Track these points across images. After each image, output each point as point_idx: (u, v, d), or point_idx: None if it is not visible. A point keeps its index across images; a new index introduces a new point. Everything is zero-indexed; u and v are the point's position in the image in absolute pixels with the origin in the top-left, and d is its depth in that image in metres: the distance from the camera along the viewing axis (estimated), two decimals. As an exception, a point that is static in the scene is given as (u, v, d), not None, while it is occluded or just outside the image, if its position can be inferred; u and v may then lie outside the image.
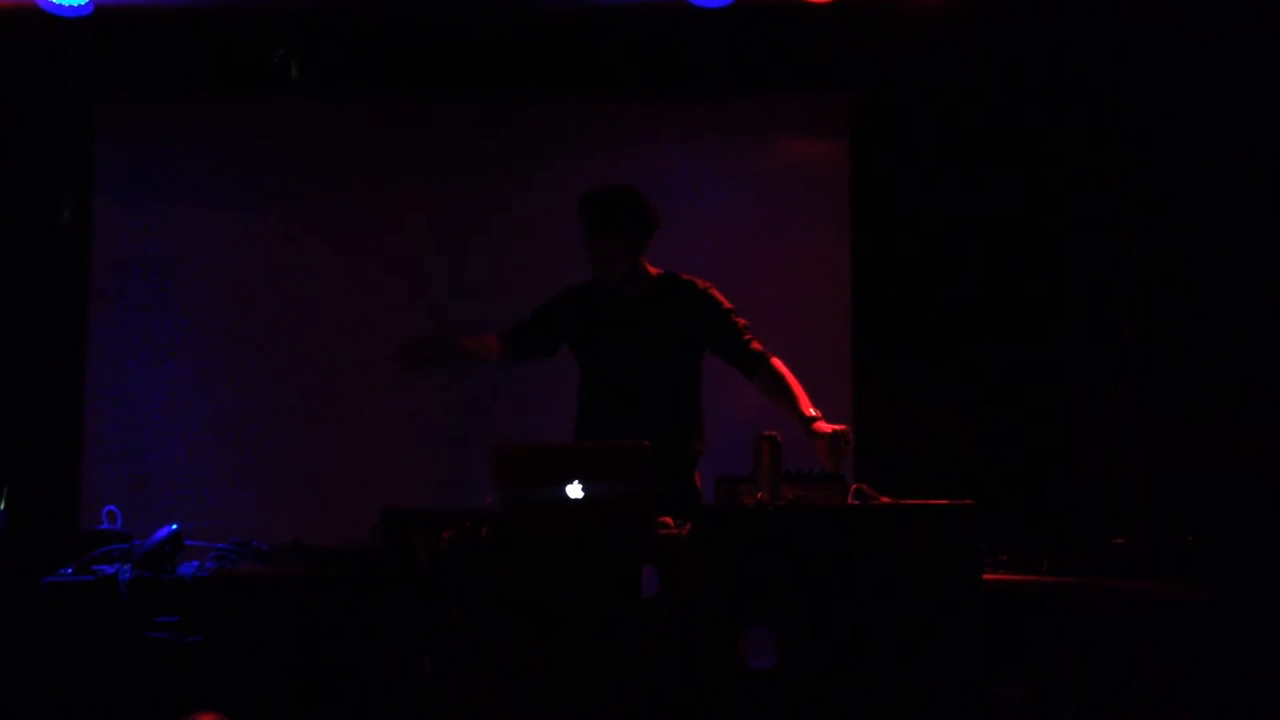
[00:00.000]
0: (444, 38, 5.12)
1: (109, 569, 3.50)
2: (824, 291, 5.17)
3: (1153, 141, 4.86)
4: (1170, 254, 4.79)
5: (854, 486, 3.20)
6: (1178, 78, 4.75)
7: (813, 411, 3.59)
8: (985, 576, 3.20)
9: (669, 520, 3.21)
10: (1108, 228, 4.99)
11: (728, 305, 3.93)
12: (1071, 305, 5.04)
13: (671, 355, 3.92)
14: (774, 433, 3.20)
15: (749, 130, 5.28)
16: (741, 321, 3.92)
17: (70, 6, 4.65)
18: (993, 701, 3.71)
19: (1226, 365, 4.60)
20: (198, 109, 5.25)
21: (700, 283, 3.96)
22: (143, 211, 5.20)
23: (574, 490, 3.10)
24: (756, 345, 3.86)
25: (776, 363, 3.81)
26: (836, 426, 3.48)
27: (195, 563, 3.59)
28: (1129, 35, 4.88)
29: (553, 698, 3.06)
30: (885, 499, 3.17)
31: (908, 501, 3.14)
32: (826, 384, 5.06)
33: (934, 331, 5.08)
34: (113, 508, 3.84)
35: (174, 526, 3.58)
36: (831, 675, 2.98)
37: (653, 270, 3.96)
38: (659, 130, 5.25)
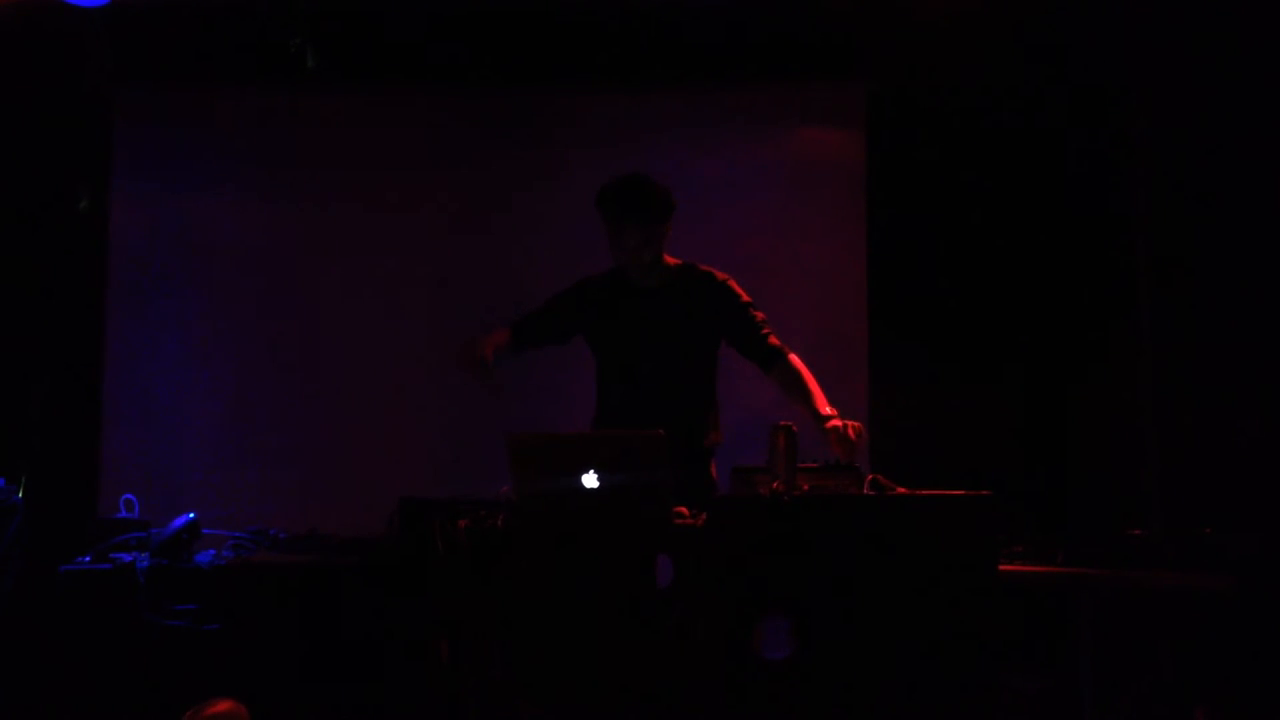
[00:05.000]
0: (459, 29, 5.11)
1: (127, 557, 3.53)
2: (840, 282, 5.16)
3: (1171, 132, 4.83)
4: (1187, 244, 4.77)
5: (869, 477, 3.20)
6: (1197, 69, 4.72)
7: (828, 410, 3.59)
8: (1001, 567, 3.19)
9: (684, 510, 3.21)
10: (1125, 219, 4.96)
11: (746, 298, 3.93)
12: (1088, 297, 5.02)
13: (690, 345, 3.92)
14: (789, 423, 3.20)
15: (764, 120, 5.27)
16: (759, 315, 3.91)
17: (87, -4, 4.67)
18: (1009, 692, 3.70)
19: (1244, 356, 4.58)
20: (214, 99, 5.26)
21: (719, 274, 3.96)
22: (160, 201, 5.22)
23: (589, 480, 3.10)
24: (774, 340, 3.86)
25: (794, 359, 3.81)
26: (851, 424, 3.47)
27: (212, 551, 3.62)
28: (1148, 26, 4.85)
29: (569, 686, 3.07)
30: (901, 489, 3.17)
31: (924, 492, 3.13)
32: (842, 374, 5.06)
33: (950, 322, 5.07)
34: (130, 496, 3.87)
35: (191, 515, 3.61)
36: (846, 665, 2.98)
37: (670, 260, 3.96)
38: (673, 120, 5.24)
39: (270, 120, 5.28)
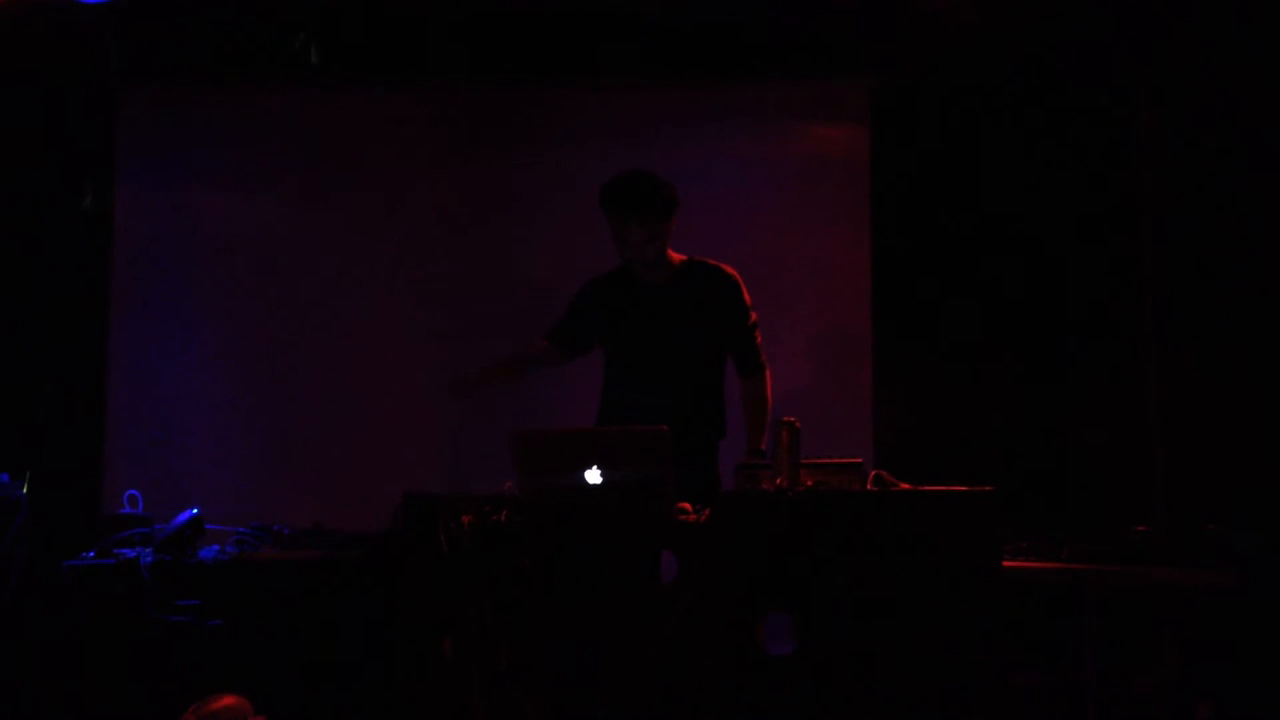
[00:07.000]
0: (461, 27, 5.11)
1: (130, 552, 3.53)
2: (843, 278, 5.16)
3: (1177, 130, 4.82)
4: (1192, 241, 4.76)
5: (873, 473, 3.19)
6: (1204, 67, 4.71)
7: (762, 448, 3.78)
8: (1006, 563, 3.19)
9: (688, 506, 3.21)
10: (1130, 215, 4.96)
11: (748, 300, 3.97)
12: (1093, 292, 5.01)
13: (695, 340, 3.94)
14: (793, 418, 3.20)
15: (768, 116, 5.26)
16: (754, 316, 3.99)
17: (92, -7, 4.67)
18: (1013, 688, 3.70)
19: (1248, 352, 4.57)
20: (219, 95, 5.25)
21: (726, 268, 3.98)
22: (164, 198, 5.22)
23: (593, 476, 3.10)
24: (761, 353, 3.98)
25: (767, 377, 3.96)
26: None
27: (216, 546, 3.62)
28: (1155, 25, 4.84)
29: (572, 683, 3.07)
30: (905, 485, 3.16)
31: (927, 488, 3.13)
32: (846, 370, 5.07)
33: (954, 318, 5.06)
34: (134, 492, 3.87)
35: (195, 511, 3.61)
36: (850, 661, 2.98)
37: (675, 256, 3.96)
38: (676, 117, 5.23)
39: (273, 118, 5.27)
